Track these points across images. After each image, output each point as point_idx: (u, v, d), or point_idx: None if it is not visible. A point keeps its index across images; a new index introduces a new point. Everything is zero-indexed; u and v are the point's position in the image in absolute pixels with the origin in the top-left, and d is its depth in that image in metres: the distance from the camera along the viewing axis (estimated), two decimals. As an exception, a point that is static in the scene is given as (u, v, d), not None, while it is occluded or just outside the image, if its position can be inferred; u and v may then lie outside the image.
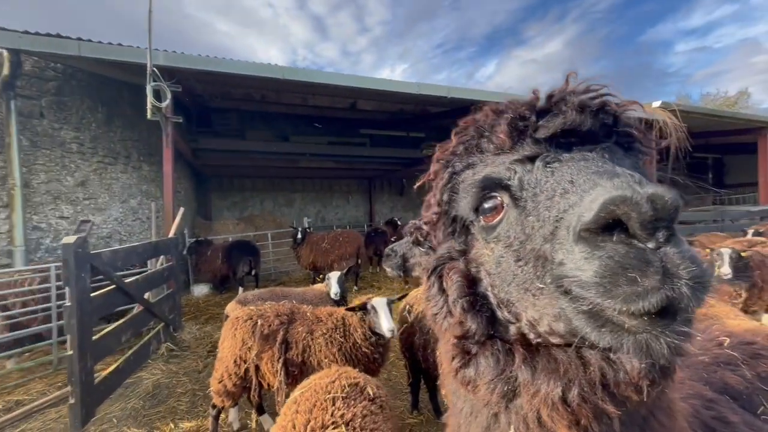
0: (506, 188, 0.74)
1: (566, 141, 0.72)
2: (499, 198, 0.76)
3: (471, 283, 0.80)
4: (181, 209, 7.57)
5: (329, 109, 13.61)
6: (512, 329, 0.73)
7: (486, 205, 0.78)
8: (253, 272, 10.42)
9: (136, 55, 6.84)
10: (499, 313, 0.76)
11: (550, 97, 0.77)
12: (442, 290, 0.84)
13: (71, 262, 3.64)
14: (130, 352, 5.23)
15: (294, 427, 2.06)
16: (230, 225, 14.58)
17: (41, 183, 7.42)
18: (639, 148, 0.78)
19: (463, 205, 0.83)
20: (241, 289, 9.74)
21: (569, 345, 0.62)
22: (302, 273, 12.50)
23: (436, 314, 0.84)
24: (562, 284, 0.58)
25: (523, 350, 0.69)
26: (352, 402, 2.28)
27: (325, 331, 3.64)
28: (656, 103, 13.10)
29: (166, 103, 6.72)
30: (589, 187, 0.57)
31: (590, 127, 0.72)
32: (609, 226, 0.52)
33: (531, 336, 0.69)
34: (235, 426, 3.98)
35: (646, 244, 0.50)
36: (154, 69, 6.38)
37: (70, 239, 3.71)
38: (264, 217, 16.38)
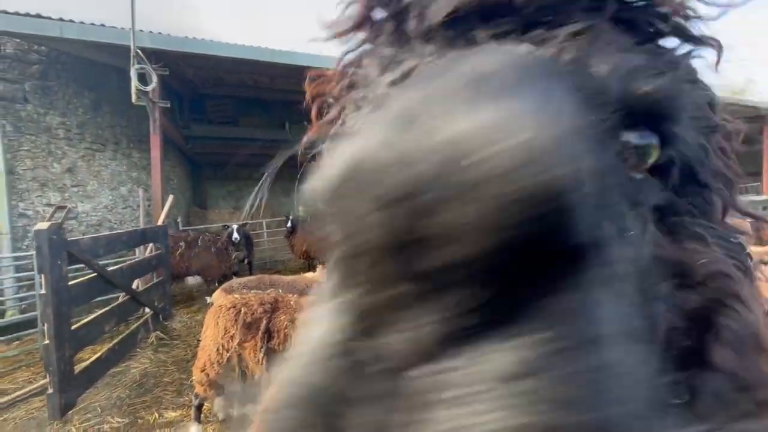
0: None
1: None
2: None
3: None
4: (171, 197, 7.42)
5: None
6: None
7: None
8: (246, 261, 10.32)
9: (121, 36, 6.61)
10: None
11: None
12: None
13: (45, 248, 3.52)
14: (115, 341, 5.15)
15: None
16: (225, 214, 14.45)
17: (27, 170, 7.27)
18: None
19: None
20: (235, 278, 9.66)
21: None
22: (298, 263, 12.40)
23: None
24: None
25: None
26: None
27: (306, 320, 3.54)
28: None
29: (151, 86, 6.52)
30: None
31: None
32: None
33: None
34: (221, 416, 3.88)
35: None
36: (138, 51, 6.16)
37: (44, 225, 3.58)
38: (260, 207, 16.23)
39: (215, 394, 3.82)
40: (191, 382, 4.30)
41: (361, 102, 0.44)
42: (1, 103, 6.76)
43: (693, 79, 0.40)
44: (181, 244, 8.05)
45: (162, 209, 7.17)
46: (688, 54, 0.40)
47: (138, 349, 6.06)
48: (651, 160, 0.34)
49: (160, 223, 6.90)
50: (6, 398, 4.78)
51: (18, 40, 7.14)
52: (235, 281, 5.20)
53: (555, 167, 0.16)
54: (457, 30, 0.36)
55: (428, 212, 0.17)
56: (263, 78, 11.59)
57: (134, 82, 6.18)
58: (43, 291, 3.53)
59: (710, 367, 0.31)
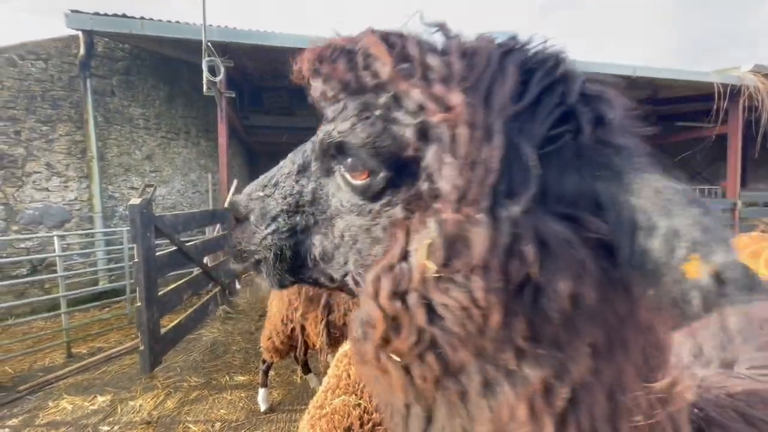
0: None
1: None
2: None
3: None
4: (235, 181, 7.93)
5: (376, 84, 13.45)
6: None
7: None
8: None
9: (192, 31, 7.14)
10: None
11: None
12: None
13: (138, 221, 3.94)
14: (191, 310, 5.67)
15: (350, 376, 2.09)
16: (280, 200, 15.18)
17: (114, 156, 8.12)
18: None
19: None
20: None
21: None
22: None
23: None
24: None
25: None
26: None
27: (366, 295, 3.67)
28: (746, 67, 11.48)
29: (219, 77, 6.97)
30: None
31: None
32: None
33: None
34: (263, 407, 4.03)
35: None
36: (209, 44, 6.61)
37: (136, 201, 4.01)
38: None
39: (279, 360, 4.11)
40: (258, 349, 4.65)
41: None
42: (94, 97, 7.58)
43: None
44: (243, 226, 8.61)
45: (227, 193, 7.71)
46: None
47: (208, 320, 6.64)
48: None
49: (226, 205, 7.43)
50: (102, 355, 5.48)
51: (106, 40, 7.94)
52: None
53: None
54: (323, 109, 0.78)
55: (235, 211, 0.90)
56: (317, 68, 11.91)
57: (205, 74, 6.64)
58: (136, 259, 3.97)
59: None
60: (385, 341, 0.54)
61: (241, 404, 4.21)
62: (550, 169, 0.49)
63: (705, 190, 14.94)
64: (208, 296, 6.47)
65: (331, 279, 0.75)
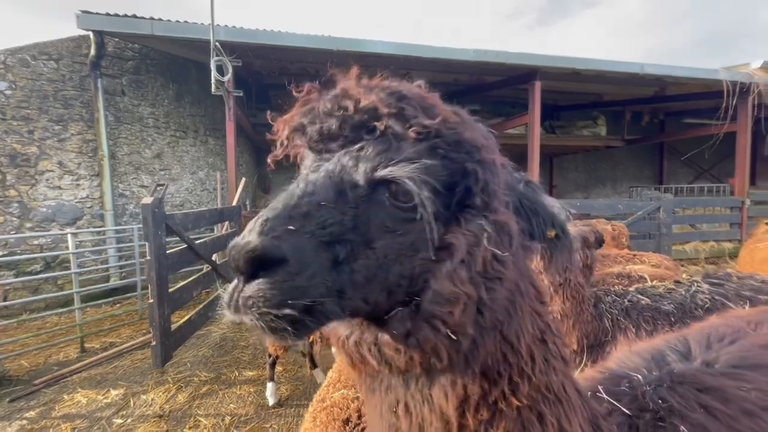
0: None
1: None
2: None
3: None
4: (243, 179, 8.03)
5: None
6: None
7: None
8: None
9: (201, 31, 7.21)
10: None
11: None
12: None
13: (150, 220, 4.03)
14: (200, 306, 5.77)
15: None
16: (287, 198, 15.26)
17: (125, 155, 8.25)
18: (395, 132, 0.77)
19: None
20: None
21: None
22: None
23: None
24: None
25: None
26: None
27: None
28: (756, 64, 11.34)
29: (227, 77, 7.05)
30: None
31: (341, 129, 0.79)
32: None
33: None
34: (272, 401, 4.10)
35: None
36: (217, 44, 6.68)
37: (148, 200, 4.09)
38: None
39: (284, 353, 4.18)
40: (265, 344, 4.73)
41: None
42: (105, 96, 7.70)
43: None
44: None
45: (235, 192, 7.80)
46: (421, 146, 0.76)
47: (216, 316, 6.74)
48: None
49: (234, 203, 7.51)
50: (115, 350, 5.59)
51: (116, 40, 8.04)
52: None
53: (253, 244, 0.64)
54: (322, 144, 0.81)
55: (240, 250, 0.63)
56: (323, 66, 11.94)
57: (213, 73, 6.72)
58: (148, 257, 4.05)
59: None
60: (460, 322, 0.72)
61: (250, 399, 4.29)
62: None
63: (713, 188, 14.75)
64: (216, 293, 6.57)
65: (367, 302, 0.73)
